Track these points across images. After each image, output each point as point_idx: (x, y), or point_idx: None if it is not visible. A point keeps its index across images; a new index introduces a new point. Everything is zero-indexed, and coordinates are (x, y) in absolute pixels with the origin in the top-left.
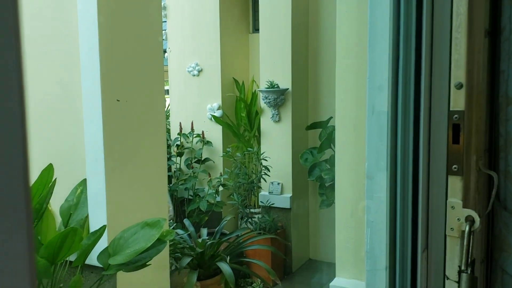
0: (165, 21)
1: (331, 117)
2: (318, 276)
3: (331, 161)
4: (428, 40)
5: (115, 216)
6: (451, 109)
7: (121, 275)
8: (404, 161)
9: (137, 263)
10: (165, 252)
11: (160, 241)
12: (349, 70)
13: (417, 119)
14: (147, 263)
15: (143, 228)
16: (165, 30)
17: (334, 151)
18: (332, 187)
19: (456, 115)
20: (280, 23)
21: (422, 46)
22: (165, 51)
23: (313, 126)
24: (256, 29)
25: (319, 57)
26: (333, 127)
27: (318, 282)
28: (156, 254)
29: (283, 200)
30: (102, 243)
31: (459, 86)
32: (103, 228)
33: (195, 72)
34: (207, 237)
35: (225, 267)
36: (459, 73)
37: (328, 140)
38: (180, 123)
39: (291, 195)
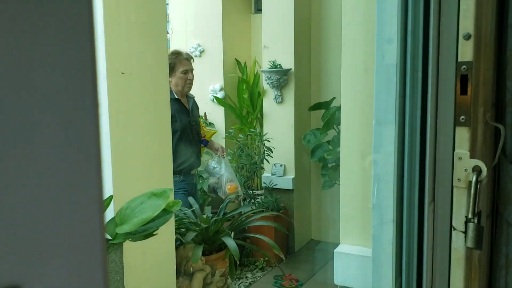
0: (167, 3)
1: (334, 98)
2: (321, 255)
3: (333, 142)
4: None
5: (121, 188)
6: (459, 60)
7: (127, 247)
8: (412, 113)
9: (144, 232)
10: (171, 224)
11: (166, 211)
12: (356, 23)
13: (425, 70)
14: (154, 233)
15: (150, 198)
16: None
17: (337, 132)
18: (334, 168)
19: (464, 66)
20: (283, 3)
21: None
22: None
23: (316, 107)
24: (258, 9)
25: (322, 36)
26: (336, 108)
27: (321, 261)
28: (163, 223)
29: (285, 181)
30: (108, 215)
31: (468, 37)
32: (109, 198)
33: (197, 53)
34: (211, 214)
35: (230, 241)
36: (467, 24)
37: (331, 120)
38: None
39: (293, 176)
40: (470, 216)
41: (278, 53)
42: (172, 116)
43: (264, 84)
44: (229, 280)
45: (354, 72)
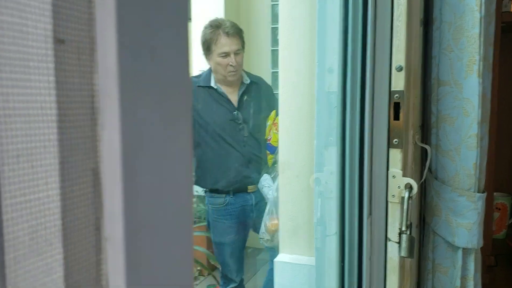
0: None
1: None
2: (253, 261)
3: None
4: (373, 28)
5: None
6: (392, 89)
7: None
8: (351, 136)
9: None
10: None
11: None
12: (292, 55)
13: (362, 98)
14: None
15: None
16: None
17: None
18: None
19: (396, 95)
20: (212, 12)
21: (368, 33)
22: None
23: None
24: (188, 18)
25: (251, 45)
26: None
27: (253, 267)
28: None
29: None
30: None
31: (400, 69)
32: None
33: None
34: None
35: None
36: (399, 57)
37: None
38: None
39: None
40: (403, 228)
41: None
42: (202, 111)
43: None
44: None
45: (292, 97)
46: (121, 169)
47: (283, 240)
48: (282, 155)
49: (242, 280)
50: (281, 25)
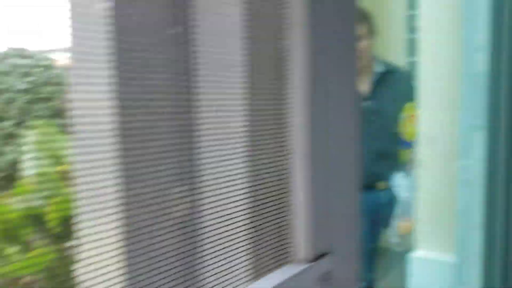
0: None
1: None
2: (387, 261)
3: None
4: None
5: None
6: None
7: None
8: (504, 119)
9: None
10: None
11: None
12: (435, 39)
13: None
14: None
15: None
16: None
17: None
18: None
19: None
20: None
21: None
22: None
23: None
24: None
25: (386, 33)
26: None
27: (387, 267)
28: None
29: None
30: None
31: None
32: None
33: None
34: None
35: None
36: None
37: None
38: None
39: None
40: None
41: None
42: None
43: None
44: None
45: (434, 83)
46: (307, 87)
47: (420, 234)
48: (423, 140)
49: (372, 280)
50: (422, 11)
